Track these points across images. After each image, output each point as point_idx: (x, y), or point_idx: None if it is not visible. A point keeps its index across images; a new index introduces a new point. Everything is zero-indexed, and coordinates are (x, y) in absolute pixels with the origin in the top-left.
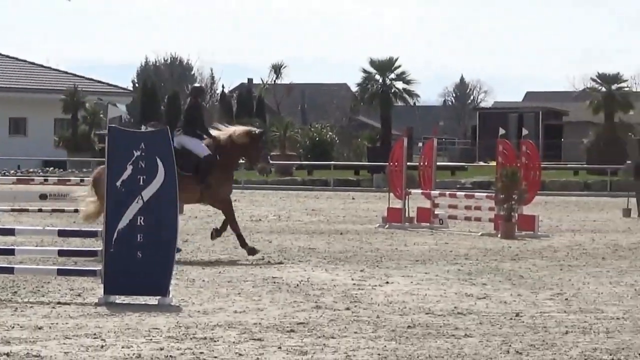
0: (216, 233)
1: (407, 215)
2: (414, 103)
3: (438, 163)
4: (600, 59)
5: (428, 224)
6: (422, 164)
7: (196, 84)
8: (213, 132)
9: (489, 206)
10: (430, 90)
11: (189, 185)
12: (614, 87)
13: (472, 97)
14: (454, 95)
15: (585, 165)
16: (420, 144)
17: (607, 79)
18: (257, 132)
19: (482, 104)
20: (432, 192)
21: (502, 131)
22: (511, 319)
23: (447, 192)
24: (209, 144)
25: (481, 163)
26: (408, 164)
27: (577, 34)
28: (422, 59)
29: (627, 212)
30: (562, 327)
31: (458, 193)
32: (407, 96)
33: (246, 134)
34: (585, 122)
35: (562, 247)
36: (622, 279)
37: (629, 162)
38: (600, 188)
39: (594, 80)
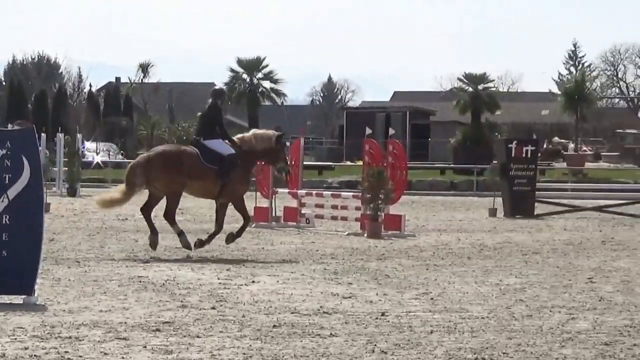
0: (232, 238)
1: (274, 214)
2: (282, 102)
3: (305, 162)
4: (468, 59)
5: (295, 223)
6: (289, 163)
7: (217, 87)
8: (235, 136)
9: (355, 205)
10: (298, 89)
11: (212, 179)
12: (480, 87)
13: (339, 97)
14: (321, 94)
15: (451, 165)
16: (287, 144)
17: (474, 79)
18: (277, 135)
19: (350, 104)
20: (299, 191)
21: (368, 131)
22: (377, 318)
23: (314, 192)
24: (232, 145)
25: (348, 162)
26: None
27: (444, 34)
28: (290, 58)
29: (493, 212)
30: (427, 326)
31: (325, 192)
32: (274, 95)
33: (268, 137)
34: (452, 121)
35: (428, 247)
36: (488, 279)
37: (495, 161)
38: (466, 188)
39: (460, 80)
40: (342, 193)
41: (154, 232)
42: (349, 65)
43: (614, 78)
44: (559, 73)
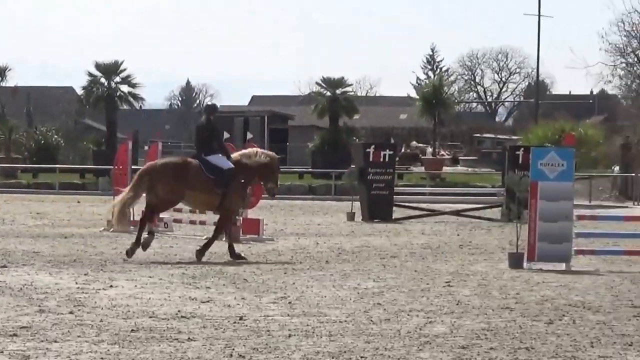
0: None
1: (132, 218)
2: (140, 106)
3: None
4: (326, 63)
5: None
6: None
7: (209, 102)
8: (234, 153)
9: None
10: (156, 93)
11: (213, 191)
12: (338, 91)
13: (198, 101)
14: (179, 99)
15: (310, 169)
16: (145, 147)
17: (332, 84)
18: (275, 156)
19: None
20: None
21: (226, 135)
22: (235, 322)
23: None
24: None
25: None
26: (133, 167)
27: (303, 38)
28: (148, 62)
29: (351, 216)
30: (285, 330)
31: None
32: (132, 100)
33: (266, 156)
34: (311, 126)
35: (286, 251)
36: (346, 283)
37: (353, 166)
38: (324, 192)
39: (318, 84)
40: None
41: (150, 233)
42: (207, 70)
43: (472, 82)
44: (417, 77)
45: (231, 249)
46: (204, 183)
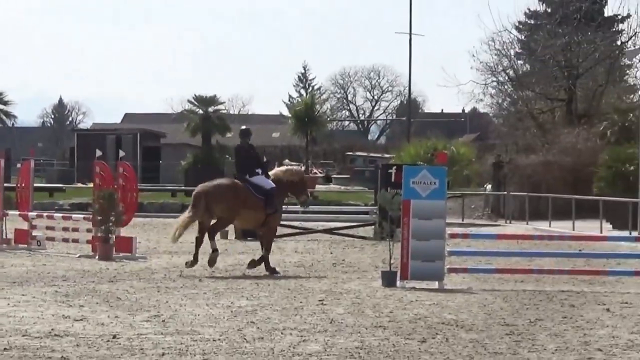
0: (252, 264)
1: (4, 236)
2: (12, 124)
3: (36, 184)
4: (198, 81)
5: (26, 246)
6: (19, 185)
7: (243, 126)
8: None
9: (86, 228)
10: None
11: (261, 209)
12: (210, 109)
13: (70, 119)
14: (52, 116)
15: (182, 187)
16: (18, 165)
17: (205, 102)
18: (302, 171)
19: (81, 126)
20: (30, 213)
21: (98, 153)
22: (108, 340)
23: (45, 214)
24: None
25: (79, 185)
26: (5, 185)
27: (175, 57)
28: (20, 79)
29: (224, 234)
30: (159, 348)
31: (56, 214)
32: (4, 117)
33: (295, 173)
34: (183, 144)
35: (159, 269)
36: (219, 301)
37: None
38: None
39: (191, 102)
40: (73, 215)
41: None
42: (79, 87)
43: (344, 101)
44: (289, 95)
45: (267, 262)
46: (254, 202)
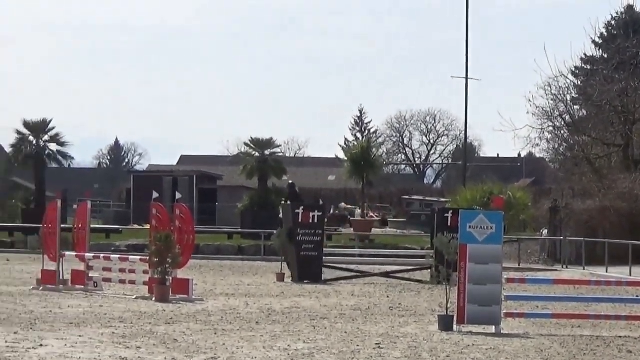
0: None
1: (61, 277)
2: (69, 165)
3: (92, 225)
4: (254, 124)
5: (83, 287)
6: (76, 226)
7: (290, 181)
8: None
9: (143, 269)
10: (85, 152)
11: None
12: (267, 152)
13: (127, 160)
14: (108, 157)
15: (239, 230)
16: (74, 206)
17: (261, 144)
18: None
19: (137, 167)
20: (87, 254)
21: (155, 194)
22: None
23: (102, 255)
24: None
25: (136, 226)
26: (62, 226)
27: (231, 99)
28: (76, 121)
29: (280, 277)
30: None
31: (112, 256)
32: (61, 158)
33: None
34: (239, 186)
35: (216, 311)
36: (276, 344)
37: (282, 227)
38: (254, 252)
39: (247, 145)
40: (130, 256)
41: None
42: (136, 129)
43: (400, 144)
44: (345, 139)
45: None
46: None
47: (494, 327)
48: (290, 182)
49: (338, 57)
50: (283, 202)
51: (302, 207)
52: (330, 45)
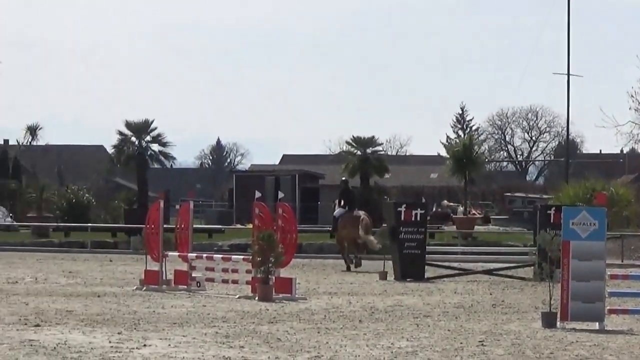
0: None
1: (164, 277)
2: (171, 165)
3: (195, 225)
4: (356, 122)
5: (185, 287)
6: (178, 226)
7: (343, 177)
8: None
9: (246, 269)
10: (186, 152)
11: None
12: (369, 150)
13: (228, 160)
14: (210, 158)
15: None
16: (177, 206)
17: (362, 143)
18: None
19: (239, 167)
20: (189, 254)
21: (258, 194)
22: None
23: (204, 255)
24: None
25: (238, 226)
26: (165, 226)
27: (332, 98)
28: (178, 121)
29: (383, 275)
30: None
31: (215, 255)
32: (163, 158)
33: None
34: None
35: (319, 310)
36: (379, 342)
37: (385, 225)
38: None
39: (349, 143)
40: (233, 256)
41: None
42: (237, 129)
43: (502, 141)
44: (447, 136)
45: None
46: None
47: (597, 323)
48: (344, 178)
49: (440, 53)
50: (386, 200)
51: (405, 205)
52: (432, 42)
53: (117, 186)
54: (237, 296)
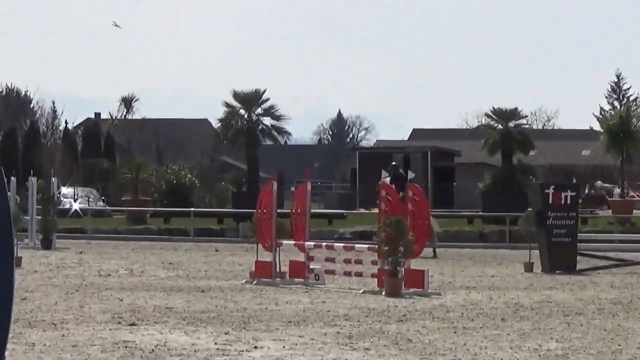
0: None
1: (278, 269)
2: (285, 142)
3: (313, 210)
4: (496, 93)
5: (302, 280)
6: (294, 211)
7: (394, 163)
8: None
9: (371, 260)
10: (303, 127)
11: None
12: (511, 124)
13: (351, 136)
14: (330, 133)
15: (480, 213)
16: (292, 189)
17: (504, 115)
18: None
19: (363, 143)
20: (307, 243)
21: (385, 174)
22: None
23: (324, 244)
24: None
25: (362, 210)
26: (278, 211)
27: (469, 65)
28: (293, 91)
29: (529, 267)
30: None
31: (336, 244)
32: (276, 134)
33: None
34: (480, 163)
35: (455, 307)
36: (525, 343)
37: (530, 209)
38: (498, 239)
39: (488, 116)
40: (356, 245)
41: None
42: (361, 101)
43: None
44: (601, 108)
45: None
46: None
47: None
48: (393, 163)
49: (592, 17)
50: (531, 181)
51: (553, 187)
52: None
53: (223, 165)
54: (362, 291)
